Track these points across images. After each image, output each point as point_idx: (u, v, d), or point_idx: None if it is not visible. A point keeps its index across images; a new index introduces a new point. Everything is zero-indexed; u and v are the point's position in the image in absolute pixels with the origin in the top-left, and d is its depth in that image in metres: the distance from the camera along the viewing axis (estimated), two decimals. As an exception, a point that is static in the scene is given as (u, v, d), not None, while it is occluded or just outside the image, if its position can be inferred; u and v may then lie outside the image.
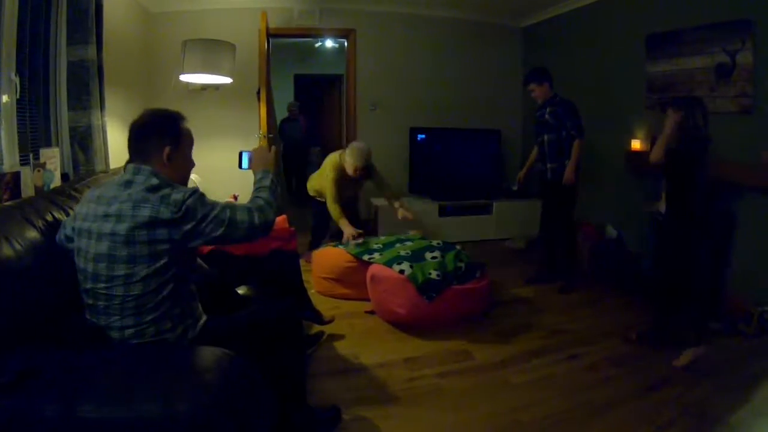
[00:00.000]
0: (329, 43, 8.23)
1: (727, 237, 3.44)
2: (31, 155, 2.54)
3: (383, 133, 5.81)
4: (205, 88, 4.75)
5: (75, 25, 2.89)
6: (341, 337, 3.16)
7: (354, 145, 4.10)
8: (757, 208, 3.27)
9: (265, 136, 4.30)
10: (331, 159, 4.22)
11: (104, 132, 3.17)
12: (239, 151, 2.24)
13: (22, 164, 2.44)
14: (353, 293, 3.76)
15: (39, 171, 2.45)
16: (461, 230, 5.58)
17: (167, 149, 1.74)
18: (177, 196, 1.61)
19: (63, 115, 2.97)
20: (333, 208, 4.02)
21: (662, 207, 3.00)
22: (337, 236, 4.31)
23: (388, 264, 3.41)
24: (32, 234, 1.75)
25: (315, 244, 4.54)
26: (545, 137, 3.98)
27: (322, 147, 8.93)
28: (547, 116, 3.94)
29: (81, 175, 2.87)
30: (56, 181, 2.60)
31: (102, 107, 3.14)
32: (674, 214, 2.94)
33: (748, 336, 3.09)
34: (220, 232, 1.66)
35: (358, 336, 3.20)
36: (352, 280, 3.74)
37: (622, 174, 4.48)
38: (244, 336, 1.83)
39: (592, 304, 3.77)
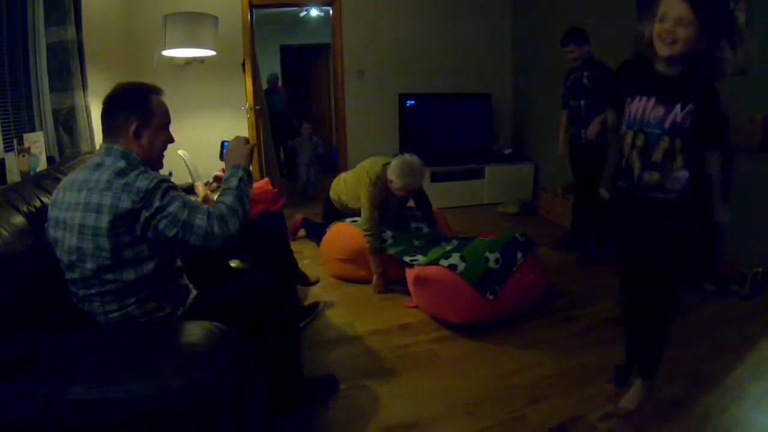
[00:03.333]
0: (314, 12, 8.11)
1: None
2: (15, 141, 2.51)
3: (372, 100, 5.78)
4: (189, 62, 4.67)
5: (52, 6, 2.82)
6: (335, 305, 3.19)
7: (408, 160, 3.35)
8: (750, 169, 3.27)
9: (251, 108, 4.26)
10: (371, 169, 3.50)
11: (88, 113, 3.13)
12: (221, 141, 2.18)
13: (6, 150, 2.42)
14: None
15: (24, 156, 2.43)
16: (453, 196, 5.59)
17: (134, 125, 1.66)
18: (141, 183, 1.54)
19: (45, 98, 2.92)
20: (370, 238, 3.28)
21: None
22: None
23: (435, 261, 2.93)
24: (19, 220, 1.74)
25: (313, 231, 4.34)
26: (581, 103, 3.73)
27: (309, 122, 8.84)
28: (585, 81, 3.68)
29: (66, 158, 2.85)
30: (42, 165, 2.58)
31: (84, 88, 3.09)
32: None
33: (742, 297, 3.12)
34: (173, 232, 1.56)
35: (352, 304, 3.23)
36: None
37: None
38: (236, 308, 1.80)
39: (587, 266, 3.79)
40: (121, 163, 1.60)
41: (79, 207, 1.55)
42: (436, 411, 2.16)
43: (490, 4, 6.07)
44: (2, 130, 2.48)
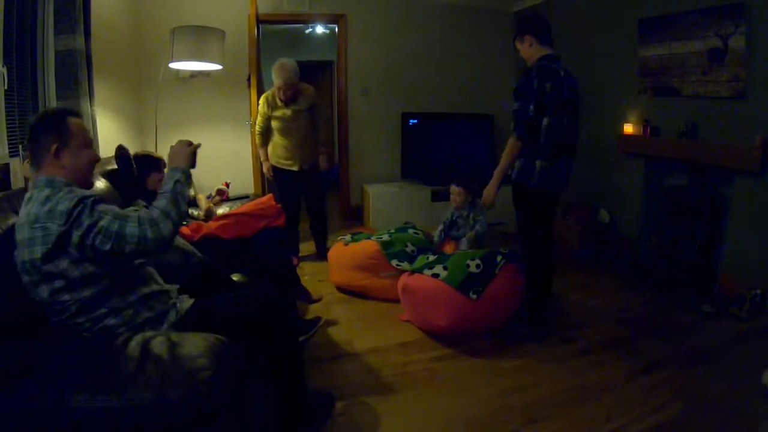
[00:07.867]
0: (320, 29, 8.15)
1: (719, 220, 3.45)
2: (20, 147, 2.52)
3: (375, 119, 5.81)
4: (195, 75, 4.70)
5: (62, 15, 2.85)
6: (335, 322, 3.17)
7: (281, 60, 3.88)
8: (750, 192, 3.28)
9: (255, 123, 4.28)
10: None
11: (94, 121, 3.15)
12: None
13: (11, 156, 2.43)
14: (380, 288, 3.48)
15: (28, 162, 2.43)
16: (454, 215, 5.57)
17: (54, 146, 1.67)
18: (63, 206, 1.54)
19: (52, 105, 2.93)
20: (257, 132, 4.09)
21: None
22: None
23: (419, 270, 3.07)
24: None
25: (291, 235, 4.28)
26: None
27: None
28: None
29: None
30: (46, 172, 2.58)
31: (91, 97, 3.11)
32: None
33: (741, 319, 3.11)
34: (108, 246, 1.56)
35: (352, 321, 3.21)
36: (377, 267, 3.47)
37: (615, 157, 4.49)
38: (237, 320, 1.82)
39: (584, 287, 3.79)
40: (46, 192, 1.61)
41: (20, 245, 1.57)
42: (434, 430, 2.15)
43: (493, 25, 6.13)
44: (8, 136, 2.49)
